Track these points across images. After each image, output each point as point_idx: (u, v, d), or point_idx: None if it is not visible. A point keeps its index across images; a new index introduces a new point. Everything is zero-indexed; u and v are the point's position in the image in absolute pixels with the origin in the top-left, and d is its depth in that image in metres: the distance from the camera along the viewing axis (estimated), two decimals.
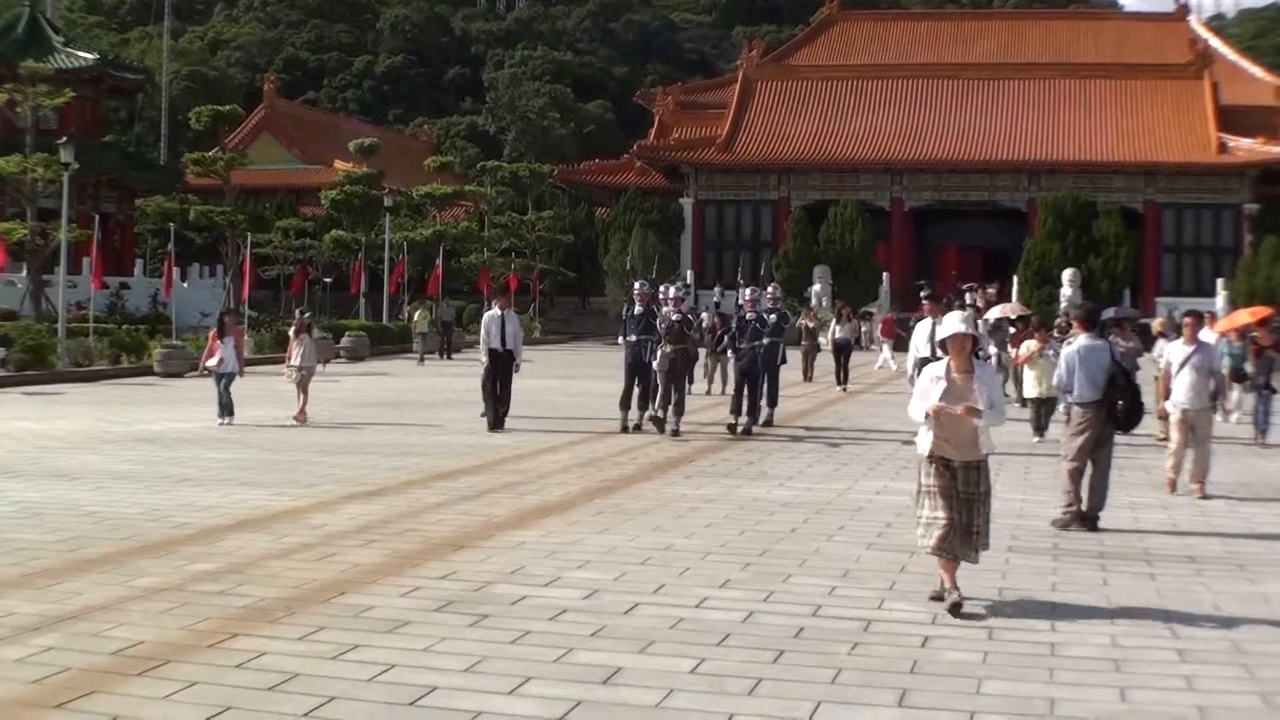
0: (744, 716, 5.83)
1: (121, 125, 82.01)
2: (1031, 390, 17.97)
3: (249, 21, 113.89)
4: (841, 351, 28.55)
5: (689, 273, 60.19)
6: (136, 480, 12.83)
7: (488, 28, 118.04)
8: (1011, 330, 22.89)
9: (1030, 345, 18.25)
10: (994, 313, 25.86)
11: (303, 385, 19.25)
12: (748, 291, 19.39)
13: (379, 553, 9.31)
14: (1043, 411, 17.74)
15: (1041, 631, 7.33)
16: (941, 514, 7.74)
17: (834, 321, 32.19)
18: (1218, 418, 16.17)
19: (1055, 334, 19.55)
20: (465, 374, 29.23)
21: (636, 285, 19.67)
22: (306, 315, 20.98)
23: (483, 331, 18.75)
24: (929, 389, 7.88)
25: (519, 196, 65.44)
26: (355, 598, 7.90)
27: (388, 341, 43.10)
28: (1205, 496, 12.52)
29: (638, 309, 18.57)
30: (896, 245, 62.89)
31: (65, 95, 42.06)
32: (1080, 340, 11.16)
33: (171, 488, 12.37)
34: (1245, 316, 21.02)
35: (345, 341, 38.58)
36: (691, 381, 19.21)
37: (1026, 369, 18.22)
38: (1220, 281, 55.67)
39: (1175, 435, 12.91)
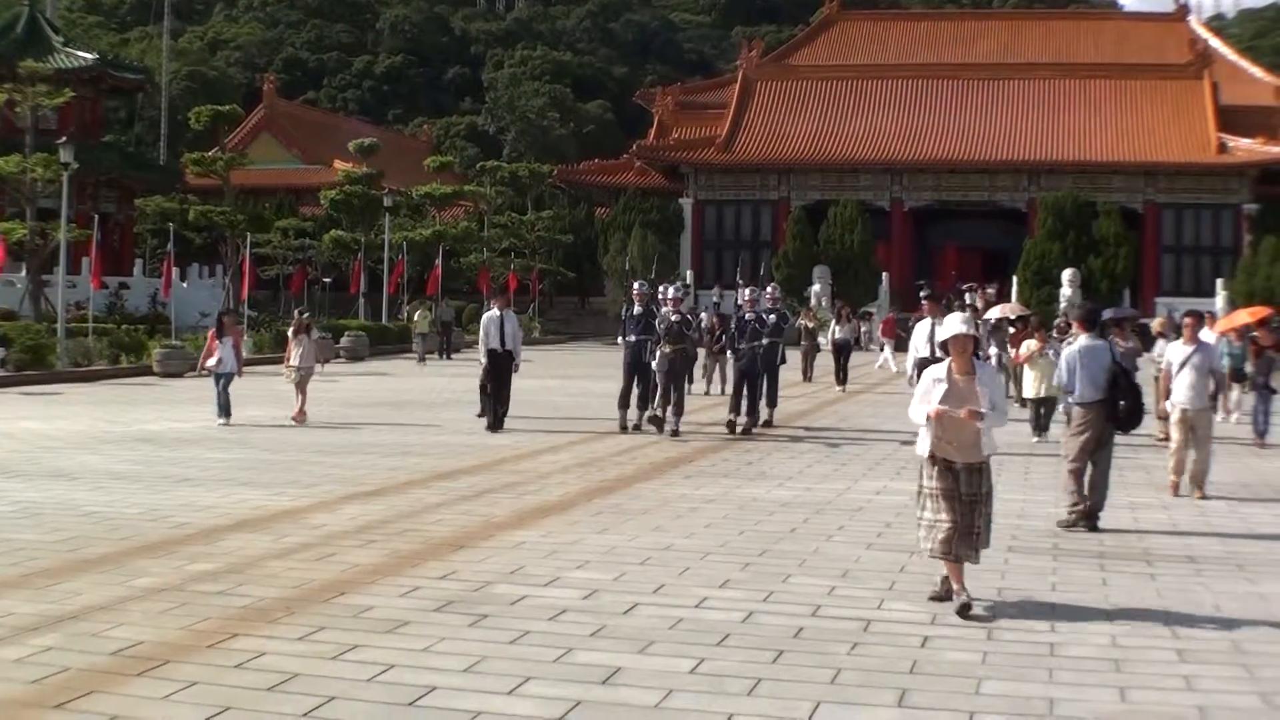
0: (743, 716, 5.83)
1: (121, 125, 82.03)
2: (1031, 390, 17.96)
3: (248, 21, 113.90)
4: (841, 352, 28.56)
5: (688, 273, 60.19)
6: (136, 480, 12.82)
7: (487, 28, 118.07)
8: (1011, 330, 22.89)
9: (1030, 345, 18.25)
10: (994, 313, 25.85)
11: (301, 386, 19.23)
12: (747, 292, 19.38)
13: (378, 553, 9.31)
14: (1043, 411, 17.73)
15: (1041, 631, 7.33)
16: (945, 517, 7.71)
17: (834, 322, 32.19)
18: (1217, 417, 16.17)
19: (1054, 334, 19.55)
20: (465, 374, 29.22)
21: (635, 285, 19.67)
22: (305, 316, 20.97)
23: (481, 332, 18.74)
24: (930, 390, 7.86)
25: (518, 196, 65.44)
26: (355, 598, 7.90)
27: (387, 341, 43.10)
28: (1205, 497, 12.52)
29: (637, 309, 18.58)
30: (896, 245, 62.90)
31: (65, 95, 42.08)
32: (1081, 340, 11.16)
33: (171, 488, 12.36)
34: (1244, 317, 21.02)
35: (344, 341, 38.59)
36: (691, 382, 19.21)
37: (1026, 369, 18.22)
38: (1220, 281, 55.66)
39: (1175, 435, 12.91)
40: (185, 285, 48.55)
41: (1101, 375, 10.77)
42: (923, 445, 7.88)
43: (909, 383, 19.27)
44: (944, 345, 8.02)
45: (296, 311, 22.10)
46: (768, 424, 18.76)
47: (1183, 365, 12.93)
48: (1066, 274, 52.88)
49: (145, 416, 19.81)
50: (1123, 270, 55.70)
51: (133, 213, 55.60)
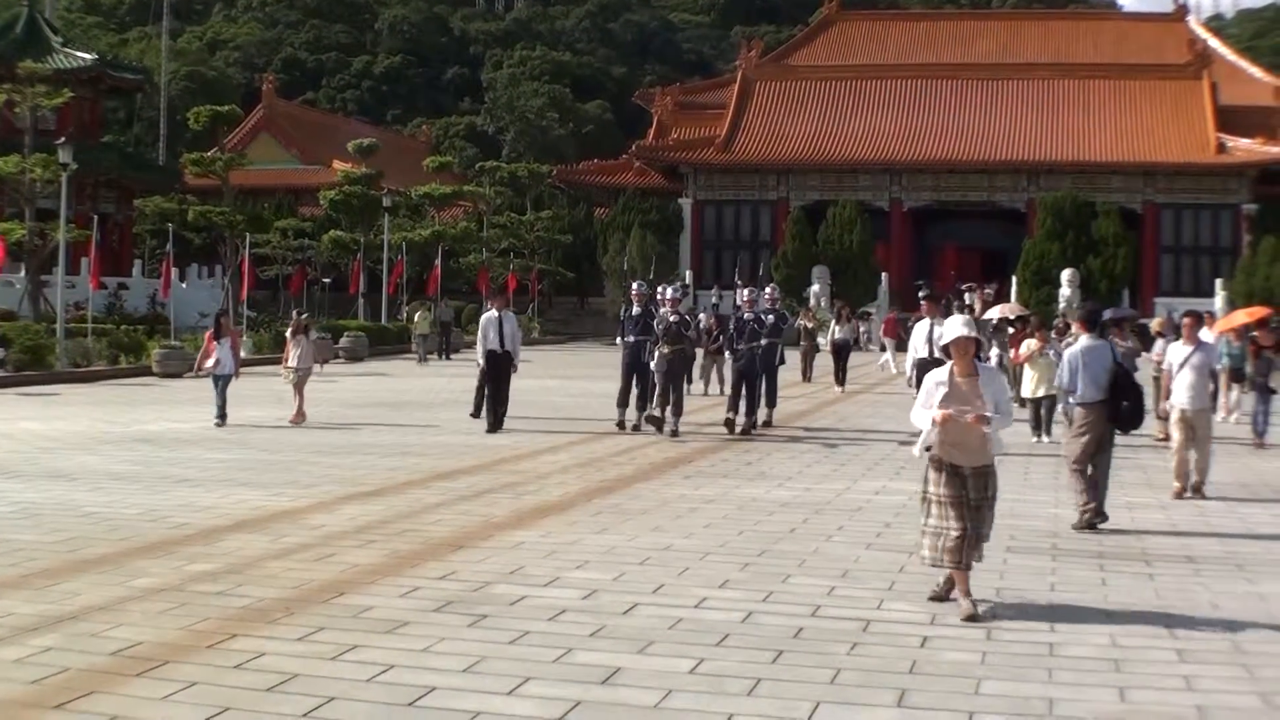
0: (743, 717, 5.83)
1: (120, 125, 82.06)
2: (1030, 390, 17.96)
3: (247, 22, 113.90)
4: (840, 352, 28.55)
5: (688, 273, 60.22)
6: (135, 481, 12.82)
7: (486, 28, 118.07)
8: (1010, 331, 22.90)
9: (1030, 345, 18.25)
10: (993, 313, 25.85)
11: (298, 386, 19.20)
12: (746, 292, 19.38)
13: (378, 553, 9.31)
14: (1043, 411, 17.72)
15: (1040, 632, 7.33)
16: (953, 524, 7.61)
17: (833, 322, 32.19)
18: (1217, 417, 16.17)
19: (1054, 334, 19.56)
20: (464, 374, 29.18)
21: (634, 286, 19.68)
22: (304, 316, 20.94)
23: (480, 333, 18.72)
24: (932, 394, 7.79)
25: (518, 197, 65.44)
26: (354, 598, 7.90)
27: (386, 342, 43.12)
28: (1204, 497, 12.52)
29: (635, 310, 18.59)
30: (895, 245, 62.92)
31: (64, 95, 42.08)
32: (1083, 341, 11.16)
33: (170, 488, 12.36)
34: (1243, 317, 21.03)
35: (344, 342, 38.60)
36: (690, 382, 19.19)
37: (1026, 369, 18.22)
38: (1219, 282, 55.69)
39: (1176, 436, 12.90)
40: (184, 286, 48.59)
41: (1104, 375, 10.76)
42: (921, 446, 7.85)
43: (908, 383, 19.31)
44: (945, 349, 7.97)
45: (295, 312, 22.10)
46: (767, 424, 18.75)
47: (1182, 366, 12.93)
48: (1066, 274, 52.91)
49: (144, 417, 19.80)
50: (1122, 270, 55.72)
51: (132, 213, 55.63)
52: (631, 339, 18.26)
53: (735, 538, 10.09)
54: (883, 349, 36.93)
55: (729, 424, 17.94)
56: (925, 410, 7.78)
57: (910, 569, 8.82)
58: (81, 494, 11.91)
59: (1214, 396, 14.59)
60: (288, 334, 20.56)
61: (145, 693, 6.04)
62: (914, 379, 17.29)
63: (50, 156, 35.86)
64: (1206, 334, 17.90)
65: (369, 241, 51.77)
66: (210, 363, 18.67)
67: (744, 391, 18.13)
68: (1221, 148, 60.58)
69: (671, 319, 17.69)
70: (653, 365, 17.66)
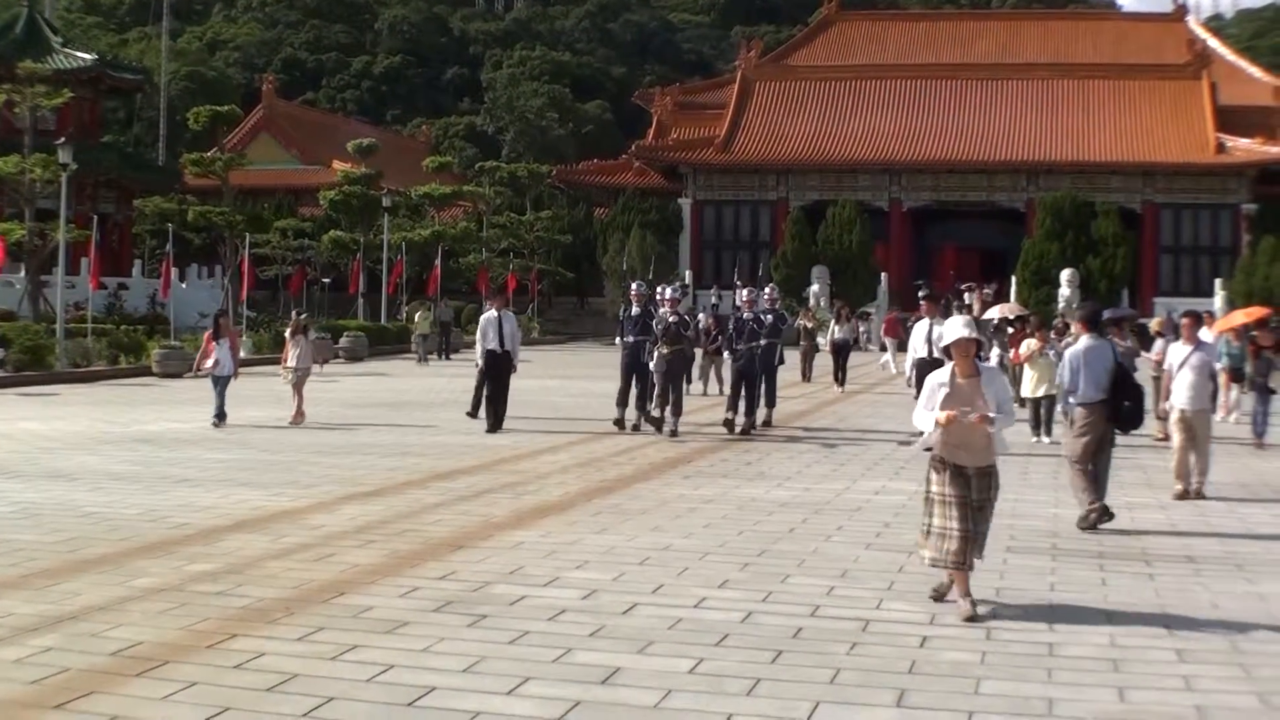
0: (742, 717, 5.83)
1: (120, 125, 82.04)
2: (1030, 390, 17.96)
3: (247, 22, 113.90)
4: (840, 352, 28.55)
5: (687, 273, 60.25)
6: (135, 481, 12.82)
7: (486, 28, 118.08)
8: (1010, 331, 22.90)
9: (1030, 345, 18.26)
10: (993, 313, 25.85)
11: (297, 387, 19.19)
12: (745, 292, 19.38)
13: (377, 553, 9.31)
14: (1043, 411, 17.73)
15: (1040, 631, 7.33)
16: (955, 525, 7.61)
17: (832, 322, 32.19)
18: (1216, 417, 16.17)
19: (1053, 334, 19.56)
20: (464, 374, 29.15)
21: (633, 286, 19.68)
22: (303, 316, 20.92)
23: (479, 333, 18.72)
24: (934, 395, 7.79)
25: (517, 197, 65.45)
26: (354, 598, 7.90)
27: (386, 342, 43.12)
28: (1203, 497, 12.52)
29: (634, 310, 18.58)
30: (895, 245, 62.93)
31: (63, 96, 42.08)
32: (1083, 341, 11.16)
33: (170, 488, 12.36)
34: (1241, 317, 21.03)
35: (343, 342, 38.61)
36: (689, 382, 19.18)
37: (1026, 368, 18.22)
38: (1218, 282, 55.69)
39: (1176, 436, 12.90)
40: (184, 286, 48.56)
41: (1104, 375, 10.76)
42: (920, 446, 7.85)
43: (908, 384, 19.31)
44: (946, 350, 7.97)
45: (294, 312, 22.10)
46: (766, 424, 18.75)
47: (1181, 366, 12.93)
48: (1065, 274, 52.93)
49: (144, 417, 19.80)
50: (1121, 270, 55.73)
51: (131, 213, 55.63)
52: (631, 339, 18.25)
53: (735, 538, 10.10)
54: (883, 349, 36.92)
55: (728, 424, 17.94)
56: (928, 412, 7.79)
57: (910, 569, 8.82)
58: (81, 494, 11.91)
59: (1214, 397, 14.57)
60: (287, 334, 20.56)
61: (145, 693, 6.04)
62: (913, 379, 17.30)
63: (50, 157, 35.86)
64: (1206, 334, 17.90)
65: (369, 241, 51.78)
66: (209, 363, 18.64)
67: (743, 391, 18.13)
68: (1221, 148, 60.59)
69: (671, 319, 17.69)
70: (652, 365, 17.66)
